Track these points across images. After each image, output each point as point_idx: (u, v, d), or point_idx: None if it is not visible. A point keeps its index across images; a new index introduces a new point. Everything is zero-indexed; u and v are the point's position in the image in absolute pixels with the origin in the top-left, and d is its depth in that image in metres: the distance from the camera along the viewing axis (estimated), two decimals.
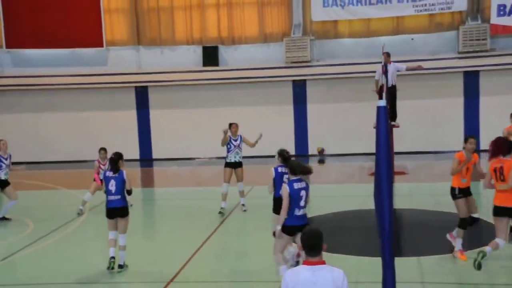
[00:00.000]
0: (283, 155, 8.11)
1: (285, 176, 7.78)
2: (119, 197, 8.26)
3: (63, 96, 19.22)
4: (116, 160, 8.29)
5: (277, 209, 7.62)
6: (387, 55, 13.68)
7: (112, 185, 8.24)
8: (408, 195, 12.52)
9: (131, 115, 19.14)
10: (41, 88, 19.00)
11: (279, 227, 7.07)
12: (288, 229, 7.05)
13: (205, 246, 9.50)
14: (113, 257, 8.39)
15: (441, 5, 17.04)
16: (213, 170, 17.42)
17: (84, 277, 8.39)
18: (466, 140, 8.24)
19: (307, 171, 7.13)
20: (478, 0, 17.35)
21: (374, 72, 14.66)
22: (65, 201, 13.60)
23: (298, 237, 6.78)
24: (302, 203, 7.04)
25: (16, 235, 10.59)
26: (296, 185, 6.99)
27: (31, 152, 19.21)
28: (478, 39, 16.97)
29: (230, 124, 11.63)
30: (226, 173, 11.49)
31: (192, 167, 18.31)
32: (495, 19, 16.85)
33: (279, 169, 8.06)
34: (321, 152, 18.13)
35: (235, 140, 11.53)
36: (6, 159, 11.29)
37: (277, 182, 7.97)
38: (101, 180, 11.33)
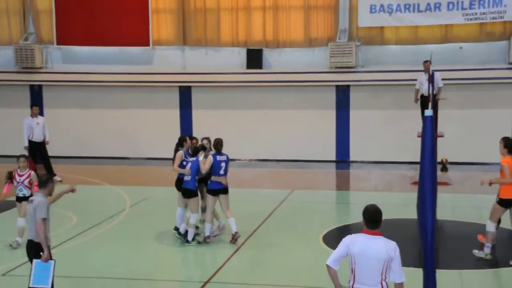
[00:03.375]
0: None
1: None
2: (189, 179, 9.62)
3: (109, 93, 19.58)
4: (198, 149, 9.89)
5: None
6: (430, 63, 13.63)
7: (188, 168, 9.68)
8: (451, 206, 12.28)
9: (174, 114, 19.35)
10: (88, 84, 19.41)
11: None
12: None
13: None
14: (177, 228, 9.85)
15: (493, 14, 16.59)
16: (254, 172, 17.48)
17: (122, 273, 8.51)
18: None
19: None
20: None
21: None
22: (108, 197, 13.85)
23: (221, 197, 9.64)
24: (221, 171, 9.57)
25: (58, 228, 10.80)
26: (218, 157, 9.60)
27: (75, 147, 19.64)
28: None
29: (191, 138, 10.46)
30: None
31: (233, 169, 18.36)
32: None
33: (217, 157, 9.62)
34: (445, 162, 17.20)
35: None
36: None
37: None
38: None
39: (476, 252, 8.96)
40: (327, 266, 4.96)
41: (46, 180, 6.76)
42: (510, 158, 8.64)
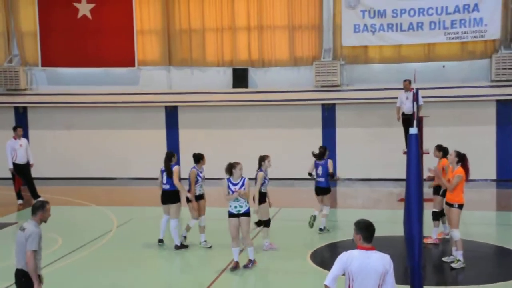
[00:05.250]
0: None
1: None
2: (323, 179, 11.55)
3: (95, 114, 19.53)
4: (324, 152, 11.78)
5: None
6: (409, 82, 14.62)
7: (320, 170, 11.58)
8: None
9: (161, 134, 19.33)
10: (74, 105, 19.35)
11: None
12: None
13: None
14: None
15: (474, 33, 16.90)
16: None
17: None
18: None
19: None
20: None
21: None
22: (94, 218, 13.75)
23: None
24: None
25: (44, 250, 10.69)
26: None
27: (61, 168, 19.52)
28: (511, 68, 16.80)
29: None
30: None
31: (220, 187, 18.32)
32: None
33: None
34: None
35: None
36: (201, 172, 11.08)
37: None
38: None
39: (454, 265, 9.09)
40: (326, 286, 4.89)
41: (37, 207, 6.36)
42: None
